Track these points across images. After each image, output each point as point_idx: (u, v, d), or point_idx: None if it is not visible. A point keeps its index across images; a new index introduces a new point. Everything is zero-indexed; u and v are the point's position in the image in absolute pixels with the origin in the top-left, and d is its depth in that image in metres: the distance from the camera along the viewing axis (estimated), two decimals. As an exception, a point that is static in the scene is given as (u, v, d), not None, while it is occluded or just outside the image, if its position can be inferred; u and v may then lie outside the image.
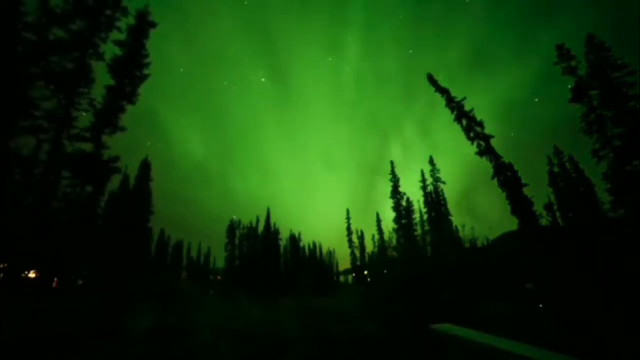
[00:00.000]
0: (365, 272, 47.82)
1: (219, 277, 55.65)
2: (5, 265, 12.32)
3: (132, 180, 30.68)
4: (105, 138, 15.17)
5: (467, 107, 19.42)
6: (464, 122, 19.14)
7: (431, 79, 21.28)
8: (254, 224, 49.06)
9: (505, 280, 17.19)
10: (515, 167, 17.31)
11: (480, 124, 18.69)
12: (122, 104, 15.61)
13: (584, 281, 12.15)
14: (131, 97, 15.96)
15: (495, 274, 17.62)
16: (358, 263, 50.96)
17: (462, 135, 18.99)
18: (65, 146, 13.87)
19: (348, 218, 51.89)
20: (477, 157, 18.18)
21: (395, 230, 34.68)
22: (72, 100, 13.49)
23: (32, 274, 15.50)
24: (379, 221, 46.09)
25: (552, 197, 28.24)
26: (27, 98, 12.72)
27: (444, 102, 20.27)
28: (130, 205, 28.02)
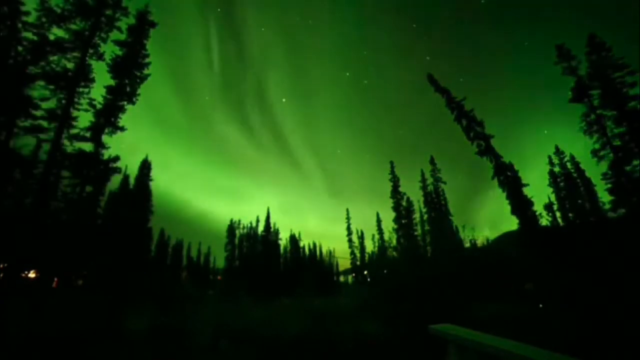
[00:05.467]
0: (365, 272, 47.84)
1: (219, 277, 55.61)
2: (5, 265, 12.31)
3: (132, 180, 30.70)
4: (105, 138, 15.20)
5: (467, 107, 19.44)
6: (464, 122, 19.14)
7: (431, 79, 21.29)
8: (253, 224, 49.12)
9: (505, 280, 17.17)
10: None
11: (481, 124, 18.70)
12: (122, 104, 15.62)
13: (585, 281, 12.13)
14: (131, 97, 15.97)
15: (495, 274, 17.60)
16: (358, 263, 50.97)
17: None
18: (65, 146, 13.89)
19: (348, 218, 51.92)
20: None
21: (395, 230, 34.70)
22: (72, 100, 13.50)
23: (32, 274, 15.50)
24: (379, 221, 46.09)
25: (552, 197, 28.24)
26: (27, 98, 12.72)
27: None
28: (130, 205, 28.02)
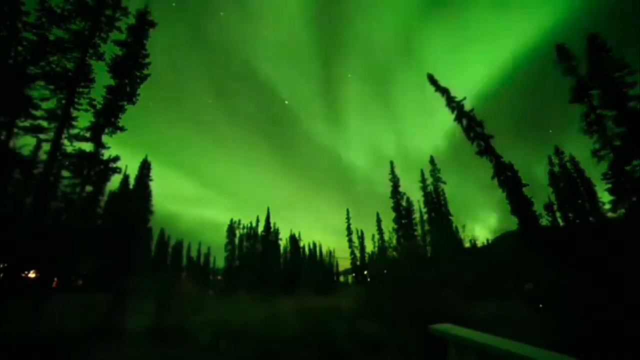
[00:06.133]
0: (365, 272, 47.83)
1: (219, 277, 55.65)
2: (5, 265, 12.32)
3: (132, 180, 30.71)
4: (105, 138, 15.20)
5: (467, 107, 19.44)
6: (464, 122, 19.14)
7: (431, 79, 21.29)
8: (253, 224, 49.15)
9: (505, 280, 17.19)
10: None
11: (481, 124, 18.70)
12: (122, 104, 15.62)
13: (585, 281, 12.13)
14: (131, 97, 15.97)
15: (495, 274, 17.61)
16: (358, 263, 50.95)
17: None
18: (65, 146, 13.89)
19: (348, 218, 51.89)
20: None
21: (395, 230, 34.71)
22: (72, 100, 13.49)
23: (32, 274, 15.50)
24: (379, 221, 46.10)
25: (552, 197, 28.23)
26: (27, 98, 12.72)
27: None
28: (130, 205, 28.02)
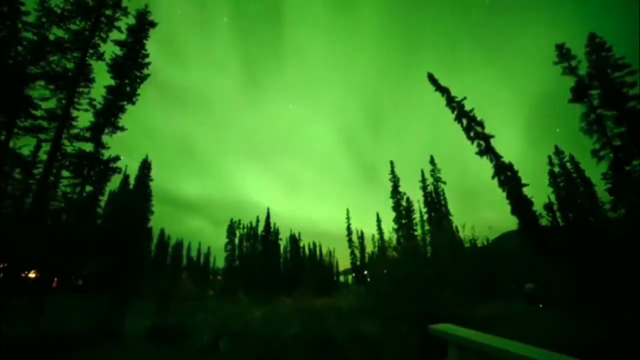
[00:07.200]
0: (365, 272, 47.82)
1: (219, 277, 55.61)
2: (5, 265, 12.32)
3: (132, 180, 30.73)
4: (105, 138, 15.21)
5: (467, 107, 19.45)
6: (465, 121, 19.16)
7: (431, 78, 21.29)
8: (254, 224, 49.14)
9: (505, 280, 17.18)
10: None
11: (481, 124, 18.71)
12: (122, 104, 15.63)
13: (584, 281, 12.14)
14: (131, 97, 15.98)
15: (495, 274, 17.60)
16: (358, 263, 50.94)
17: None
18: (65, 146, 13.89)
19: (348, 218, 51.89)
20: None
21: (395, 230, 34.72)
22: (72, 100, 13.50)
23: (32, 274, 15.50)
24: (379, 221, 46.08)
25: (552, 197, 28.21)
26: (27, 98, 12.73)
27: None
28: (130, 205, 28.03)
